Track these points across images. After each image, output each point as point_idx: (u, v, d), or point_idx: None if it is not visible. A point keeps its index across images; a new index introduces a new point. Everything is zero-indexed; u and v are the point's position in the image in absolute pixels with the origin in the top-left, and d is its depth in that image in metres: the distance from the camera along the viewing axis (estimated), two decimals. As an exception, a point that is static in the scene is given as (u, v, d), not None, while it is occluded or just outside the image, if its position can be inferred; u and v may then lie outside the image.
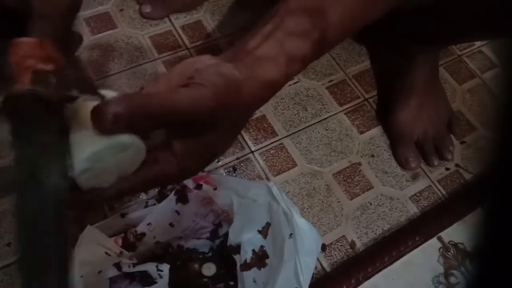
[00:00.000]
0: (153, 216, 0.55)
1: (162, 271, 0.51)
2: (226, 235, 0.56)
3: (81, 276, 0.48)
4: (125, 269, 0.51)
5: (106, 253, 0.51)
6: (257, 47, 0.31)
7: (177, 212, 0.56)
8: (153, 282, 0.52)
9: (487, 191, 0.18)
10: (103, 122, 0.25)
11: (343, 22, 0.33)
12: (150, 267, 0.51)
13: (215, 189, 0.55)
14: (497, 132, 0.17)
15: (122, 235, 0.54)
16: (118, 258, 0.51)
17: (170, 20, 0.80)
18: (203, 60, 0.30)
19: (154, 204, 0.58)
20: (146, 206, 0.59)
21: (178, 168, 0.29)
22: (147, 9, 0.79)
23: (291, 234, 0.51)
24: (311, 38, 0.32)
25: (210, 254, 0.57)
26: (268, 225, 0.55)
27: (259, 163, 0.67)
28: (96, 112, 0.25)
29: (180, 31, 0.79)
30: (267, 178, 0.65)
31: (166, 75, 0.31)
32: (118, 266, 0.51)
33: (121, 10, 0.80)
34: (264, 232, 0.55)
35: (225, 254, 0.56)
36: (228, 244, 0.55)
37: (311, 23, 0.32)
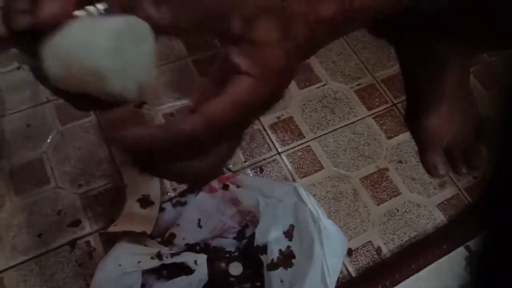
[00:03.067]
0: (181, 217, 0.56)
1: (199, 264, 0.52)
2: (252, 236, 0.56)
3: (120, 265, 0.49)
4: (164, 259, 0.52)
5: (145, 245, 0.52)
6: None
7: (205, 213, 0.57)
8: (190, 272, 0.52)
9: (489, 193, 0.17)
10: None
11: None
12: (188, 258, 0.52)
13: (238, 187, 0.56)
14: (498, 140, 0.17)
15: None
16: (157, 247, 0.52)
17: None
18: None
19: (182, 205, 0.59)
20: (174, 207, 0.60)
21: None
22: None
23: (318, 235, 0.52)
24: None
25: (236, 253, 0.58)
26: (292, 227, 0.55)
27: (285, 165, 0.67)
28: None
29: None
30: (294, 180, 0.65)
31: None
32: (159, 255, 0.51)
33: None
34: (289, 234, 0.55)
35: (251, 254, 0.56)
36: (255, 245, 0.55)
37: None
